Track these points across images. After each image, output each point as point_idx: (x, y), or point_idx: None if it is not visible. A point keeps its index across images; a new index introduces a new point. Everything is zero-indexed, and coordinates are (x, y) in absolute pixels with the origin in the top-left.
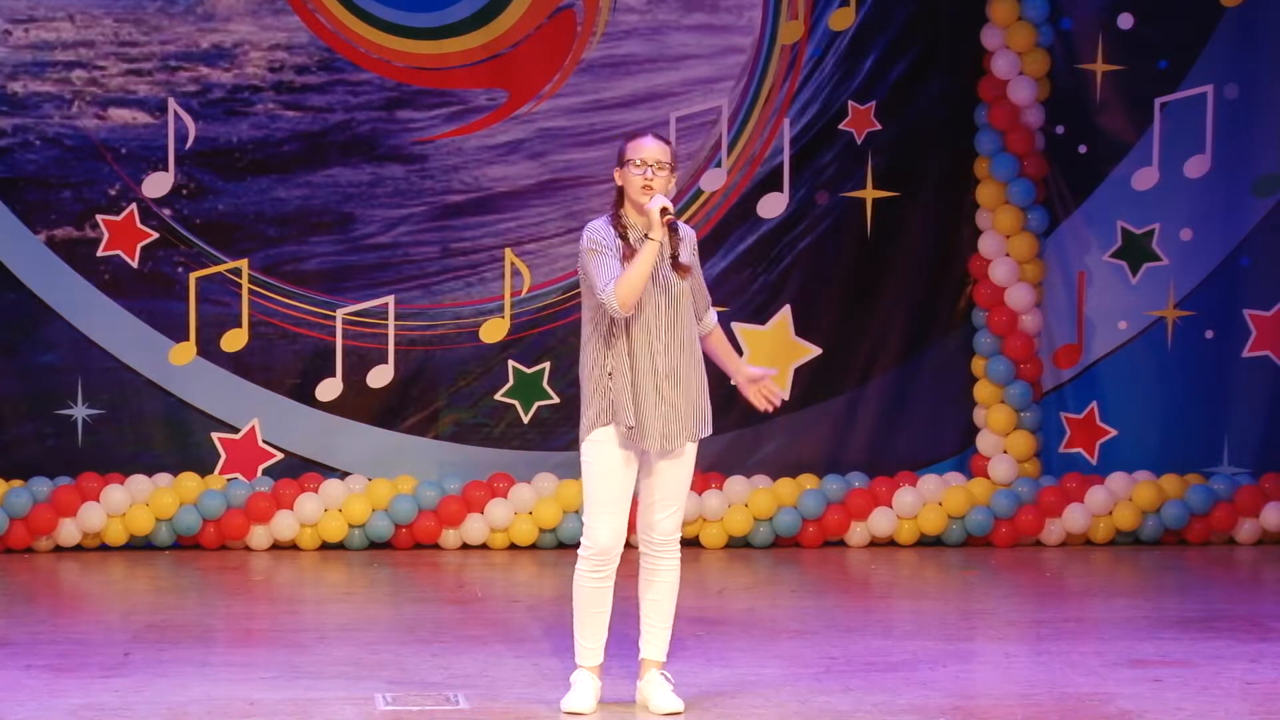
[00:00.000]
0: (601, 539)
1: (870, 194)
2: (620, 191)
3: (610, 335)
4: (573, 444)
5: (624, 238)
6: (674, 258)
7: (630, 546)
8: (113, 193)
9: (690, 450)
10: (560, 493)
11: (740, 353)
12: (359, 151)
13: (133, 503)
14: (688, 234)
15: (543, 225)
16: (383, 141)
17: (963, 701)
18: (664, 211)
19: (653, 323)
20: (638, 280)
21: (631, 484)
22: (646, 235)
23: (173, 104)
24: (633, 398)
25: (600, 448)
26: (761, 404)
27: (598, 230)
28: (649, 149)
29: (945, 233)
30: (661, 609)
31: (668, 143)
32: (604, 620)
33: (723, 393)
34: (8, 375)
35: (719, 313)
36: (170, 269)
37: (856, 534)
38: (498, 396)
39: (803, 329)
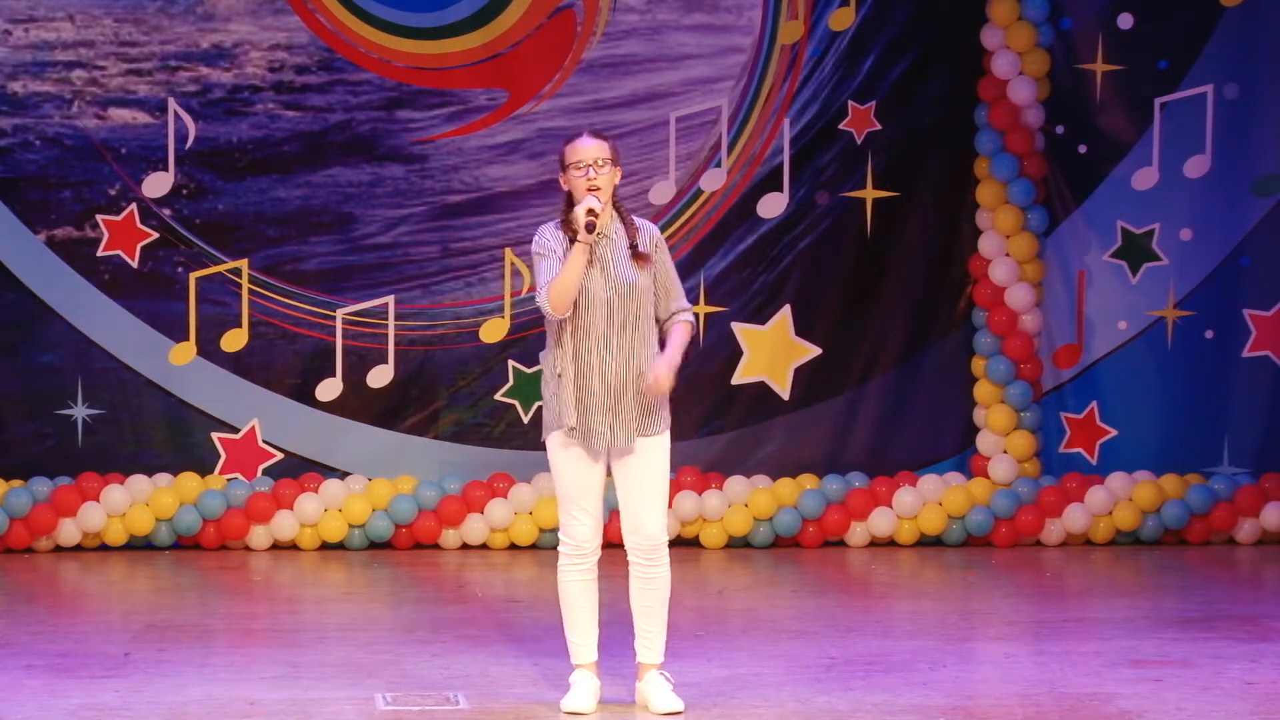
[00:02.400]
0: (575, 532)
1: (870, 194)
2: (569, 196)
3: (561, 337)
4: None
5: (573, 241)
6: (632, 247)
7: (618, 546)
8: (113, 193)
9: (650, 446)
10: None
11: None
12: (359, 151)
13: (133, 503)
14: (646, 227)
15: (543, 225)
16: (383, 141)
17: (963, 701)
18: (590, 213)
19: (602, 325)
20: (568, 283)
21: (599, 477)
22: (574, 238)
23: (173, 104)
24: (576, 400)
25: (558, 448)
26: (648, 391)
27: (545, 234)
28: (585, 149)
29: (945, 233)
30: (655, 615)
31: (605, 138)
32: (591, 616)
33: (722, 393)
34: (8, 375)
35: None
36: (170, 269)
37: (856, 534)
38: (498, 396)
39: (803, 329)
